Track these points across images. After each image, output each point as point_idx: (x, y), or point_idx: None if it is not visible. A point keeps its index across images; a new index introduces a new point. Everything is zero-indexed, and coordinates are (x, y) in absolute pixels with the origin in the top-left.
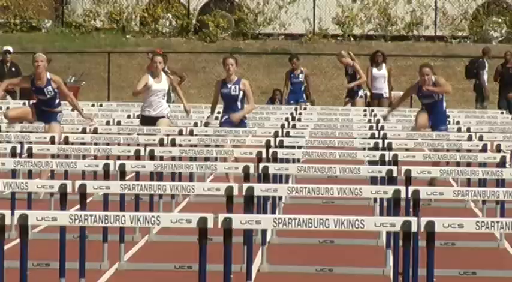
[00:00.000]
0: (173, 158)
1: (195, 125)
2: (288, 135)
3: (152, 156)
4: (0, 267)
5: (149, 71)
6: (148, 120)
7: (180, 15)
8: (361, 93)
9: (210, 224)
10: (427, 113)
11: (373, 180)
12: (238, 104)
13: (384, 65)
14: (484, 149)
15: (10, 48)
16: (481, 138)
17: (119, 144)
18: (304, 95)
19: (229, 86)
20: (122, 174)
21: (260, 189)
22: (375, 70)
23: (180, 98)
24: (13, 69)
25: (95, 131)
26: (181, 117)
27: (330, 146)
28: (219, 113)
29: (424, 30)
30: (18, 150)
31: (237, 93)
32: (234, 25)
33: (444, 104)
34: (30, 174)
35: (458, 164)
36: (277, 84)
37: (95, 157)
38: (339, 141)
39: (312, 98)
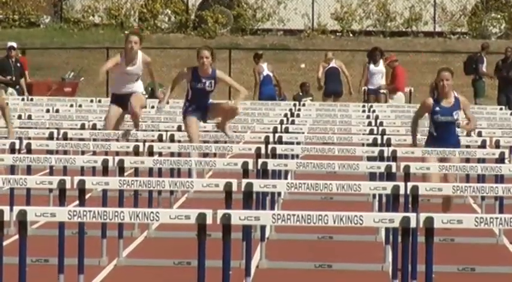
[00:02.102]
0: (172, 154)
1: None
2: (286, 131)
3: (151, 152)
4: None
5: (122, 52)
6: (119, 98)
7: (179, 11)
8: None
9: (209, 220)
10: (439, 137)
11: (372, 176)
12: (209, 98)
13: (381, 62)
14: (482, 145)
15: (14, 44)
16: (479, 134)
17: (117, 140)
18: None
19: (203, 80)
20: (121, 170)
21: (259, 185)
22: (372, 66)
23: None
24: (18, 64)
25: (94, 127)
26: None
27: (329, 142)
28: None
29: (423, 26)
30: (17, 146)
31: (212, 88)
32: (232, 21)
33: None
34: (29, 170)
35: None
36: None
37: (94, 153)
38: (338, 137)
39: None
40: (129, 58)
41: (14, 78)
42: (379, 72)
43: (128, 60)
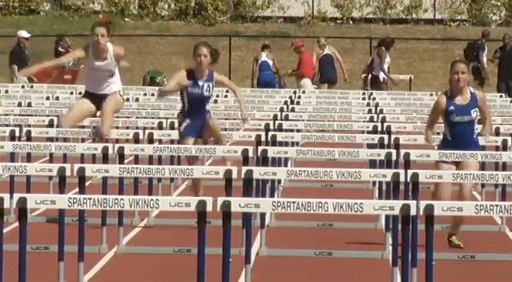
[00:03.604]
0: (172, 142)
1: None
2: (287, 118)
3: (151, 140)
4: None
5: (89, 45)
6: (93, 96)
7: None
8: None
9: (209, 208)
10: (454, 139)
11: (372, 164)
12: (207, 106)
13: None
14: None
15: (26, 35)
16: (479, 122)
17: (117, 127)
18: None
19: (200, 83)
20: (121, 158)
21: (259, 172)
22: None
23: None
24: (27, 53)
25: (94, 115)
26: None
27: (329, 129)
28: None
29: (423, 13)
30: (17, 134)
31: (210, 93)
32: (232, 8)
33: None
34: (29, 158)
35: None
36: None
37: (94, 140)
38: (338, 124)
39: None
40: (97, 52)
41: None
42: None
43: (96, 55)
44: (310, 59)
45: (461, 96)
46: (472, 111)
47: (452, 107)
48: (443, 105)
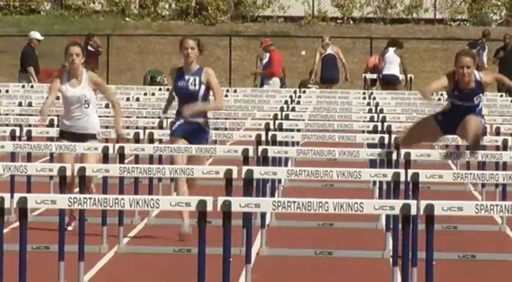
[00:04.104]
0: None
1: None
2: (287, 118)
3: (151, 139)
4: None
5: (62, 73)
6: (69, 136)
7: None
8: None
9: (209, 207)
10: (453, 115)
11: (372, 163)
12: (199, 103)
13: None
14: (484, 132)
15: (39, 36)
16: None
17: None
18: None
19: (186, 77)
20: (121, 157)
21: (259, 172)
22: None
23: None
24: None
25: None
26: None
27: (329, 129)
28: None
29: (423, 13)
30: (17, 133)
31: (196, 87)
32: (233, 8)
33: (482, 109)
34: (29, 157)
35: (457, 147)
36: None
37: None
38: (338, 124)
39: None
40: (73, 77)
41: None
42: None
43: (72, 80)
44: (280, 58)
45: (467, 86)
46: (475, 98)
47: (456, 92)
48: (446, 86)
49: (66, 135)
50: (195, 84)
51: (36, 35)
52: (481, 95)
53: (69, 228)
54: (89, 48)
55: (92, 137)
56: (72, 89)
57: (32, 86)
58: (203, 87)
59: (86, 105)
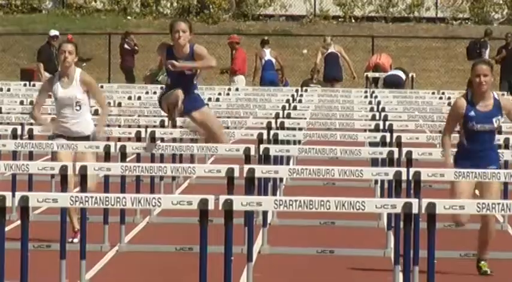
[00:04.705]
0: (174, 140)
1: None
2: (289, 116)
3: (153, 138)
4: (1, 249)
5: (55, 74)
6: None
7: None
8: None
9: (211, 206)
10: (473, 149)
11: (374, 162)
12: (193, 85)
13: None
14: None
15: (57, 33)
16: None
17: (119, 126)
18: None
19: (180, 61)
20: (123, 156)
21: (261, 170)
22: None
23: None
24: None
25: (95, 113)
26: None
27: (331, 128)
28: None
29: (425, 12)
30: (19, 132)
31: (192, 71)
32: (235, 6)
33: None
34: (31, 156)
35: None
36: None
37: None
38: (340, 122)
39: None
40: (64, 76)
41: (57, 66)
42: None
43: (63, 80)
44: (244, 56)
45: (483, 102)
46: (494, 120)
47: (472, 113)
48: (462, 110)
49: (59, 136)
50: (191, 69)
51: (51, 32)
52: (499, 117)
53: (75, 240)
54: (126, 46)
55: (86, 139)
56: (62, 89)
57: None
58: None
59: (78, 107)
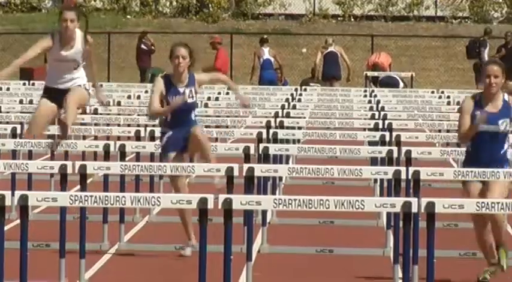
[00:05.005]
0: None
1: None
2: (288, 115)
3: (152, 137)
4: (0, 248)
5: (56, 32)
6: (53, 92)
7: None
8: None
9: (210, 205)
10: (478, 153)
11: (373, 161)
12: (193, 114)
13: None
14: None
15: None
16: None
17: (119, 125)
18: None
19: (180, 90)
20: (122, 155)
21: (260, 169)
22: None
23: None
24: None
25: (95, 112)
26: None
27: (330, 127)
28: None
29: (424, 11)
30: (18, 131)
31: (193, 99)
32: (234, 5)
33: (509, 140)
34: (30, 155)
35: (458, 145)
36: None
37: (95, 138)
38: (339, 121)
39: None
40: (65, 40)
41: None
42: None
43: (63, 43)
44: (224, 57)
45: (492, 103)
46: (500, 122)
47: (478, 113)
48: (469, 109)
49: (49, 91)
50: (192, 97)
51: None
52: (508, 120)
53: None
54: (142, 46)
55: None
56: (64, 52)
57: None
58: (197, 96)
59: (76, 66)
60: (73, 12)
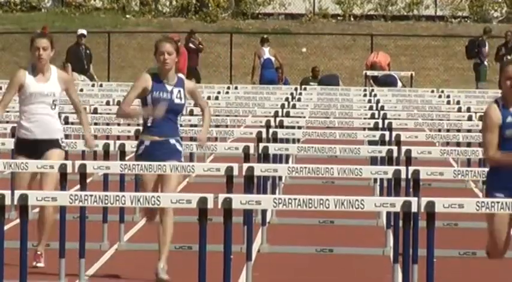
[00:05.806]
0: None
1: (195, 105)
2: (288, 115)
3: None
4: (0, 248)
5: (29, 64)
6: (27, 146)
7: None
8: None
9: (210, 204)
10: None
11: (373, 161)
12: (178, 119)
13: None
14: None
15: (85, 32)
16: (481, 118)
17: (118, 124)
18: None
19: (168, 88)
20: (122, 155)
21: (260, 169)
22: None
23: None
24: (87, 51)
25: (95, 111)
26: None
27: (330, 126)
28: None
29: (424, 10)
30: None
31: (182, 101)
32: (234, 5)
33: None
34: None
35: (458, 144)
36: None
37: (95, 137)
38: (339, 121)
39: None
40: (39, 71)
41: (86, 66)
42: None
43: (37, 74)
44: (184, 55)
45: None
46: None
47: (510, 119)
48: (498, 119)
49: (25, 146)
50: (180, 98)
51: (78, 31)
52: None
53: (40, 264)
54: (190, 45)
55: (56, 143)
56: (38, 84)
57: (93, 85)
58: (186, 102)
59: (53, 106)
60: (45, 39)
